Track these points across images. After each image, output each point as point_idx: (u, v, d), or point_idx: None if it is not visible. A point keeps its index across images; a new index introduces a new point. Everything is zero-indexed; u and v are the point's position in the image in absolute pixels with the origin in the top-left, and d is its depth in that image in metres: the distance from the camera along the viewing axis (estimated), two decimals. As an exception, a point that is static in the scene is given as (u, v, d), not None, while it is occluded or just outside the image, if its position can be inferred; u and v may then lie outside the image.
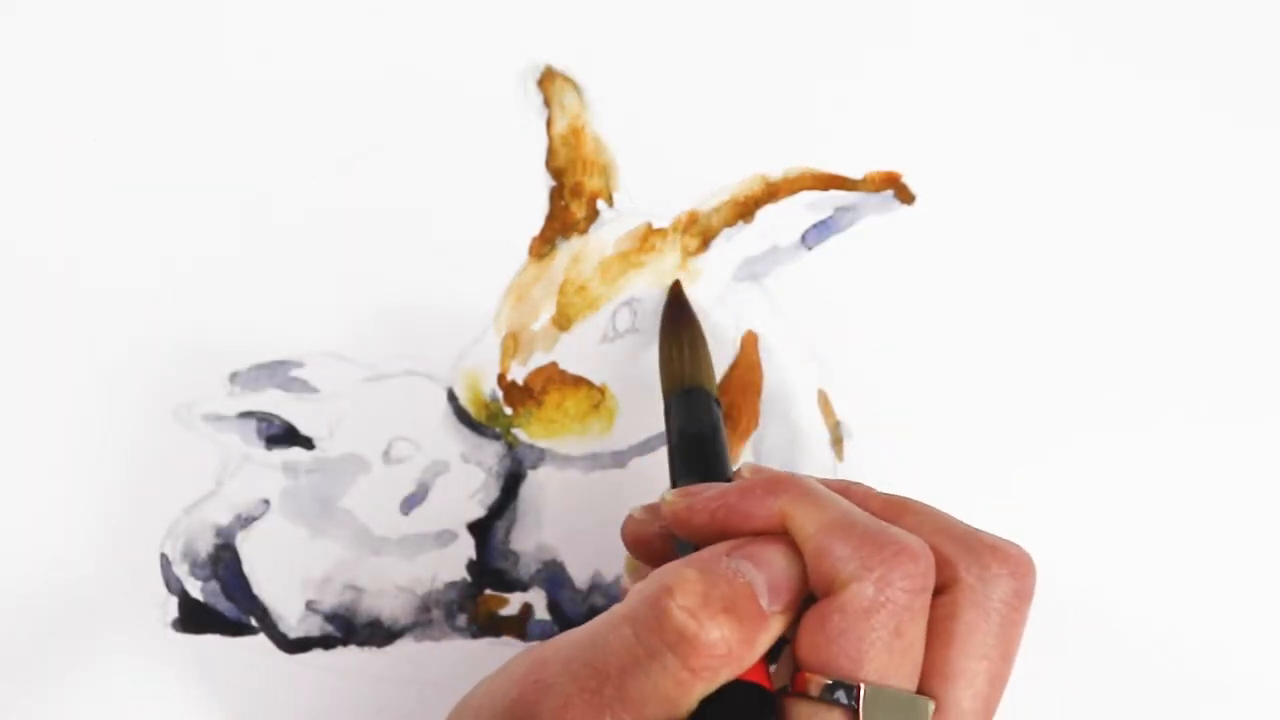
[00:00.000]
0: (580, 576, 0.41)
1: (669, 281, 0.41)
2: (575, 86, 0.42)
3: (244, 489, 0.41)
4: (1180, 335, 0.42)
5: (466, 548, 0.41)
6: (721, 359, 0.42)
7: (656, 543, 0.34)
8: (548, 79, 0.41)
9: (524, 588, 0.41)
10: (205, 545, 0.41)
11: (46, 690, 0.40)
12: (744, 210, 0.42)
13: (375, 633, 0.41)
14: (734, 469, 0.35)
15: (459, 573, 0.41)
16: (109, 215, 0.41)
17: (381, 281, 0.41)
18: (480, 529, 0.41)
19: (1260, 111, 0.42)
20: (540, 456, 0.41)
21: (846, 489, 0.32)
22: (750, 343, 0.42)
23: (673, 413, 0.37)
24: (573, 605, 0.41)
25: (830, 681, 0.29)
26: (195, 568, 0.41)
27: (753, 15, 0.42)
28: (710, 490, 0.32)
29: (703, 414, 0.36)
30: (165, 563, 0.41)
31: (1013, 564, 0.31)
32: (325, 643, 0.41)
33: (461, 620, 0.41)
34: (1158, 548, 0.42)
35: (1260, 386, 0.42)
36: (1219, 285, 0.42)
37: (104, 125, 0.41)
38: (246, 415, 0.41)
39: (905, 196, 0.42)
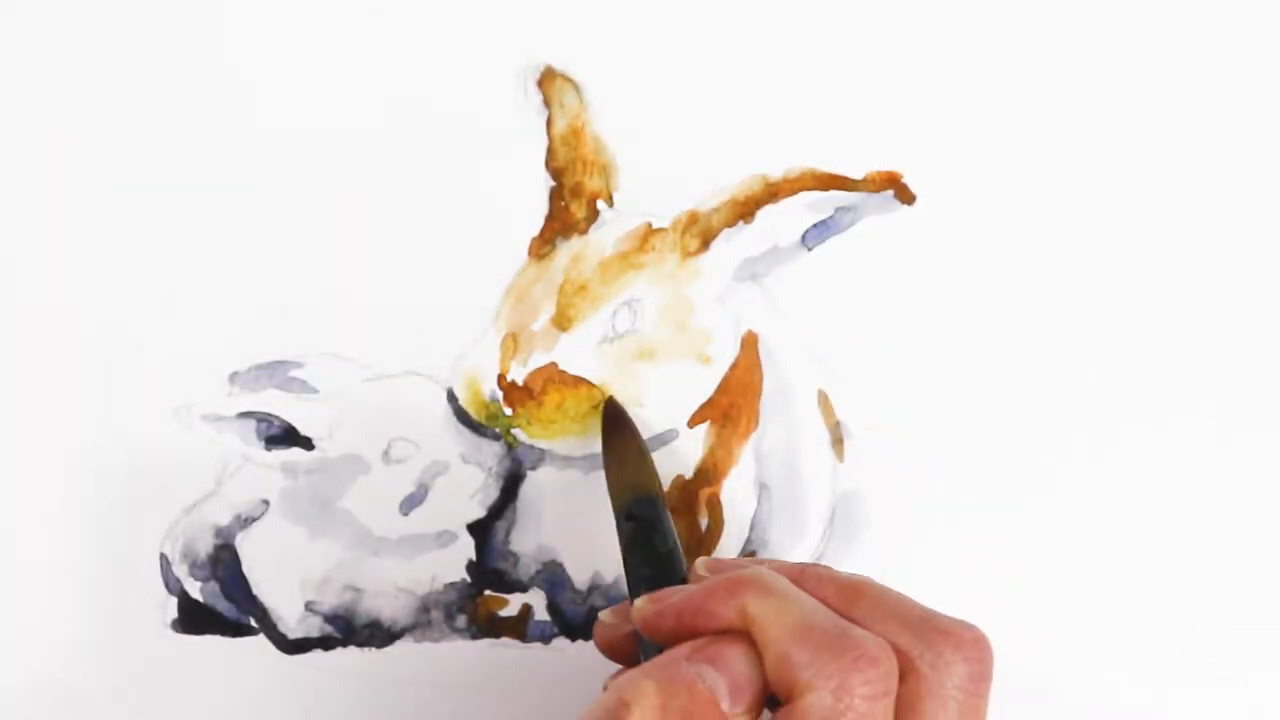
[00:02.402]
0: (580, 577, 0.41)
1: (669, 281, 0.41)
2: (575, 86, 0.42)
3: (243, 489, 0.41)
4: (1181, 336, 0.42)
5: (466, 548, 0.41)
6: (722, 359, 0.41)
7: (627, 644, 0.35)
8: (548, 79, 0.41)
9: (524, 588, 0.41)
10: (205, 546, 0.41)
11: (47, 690, 0.40)
12: (744, 210, 0.42)
13: (375, 633, 0.41)
14: (687, 567, 0.36)
15: (458, 573, 0.41)
16: (109, 215, 0.41)
17: (381, 281, 0.41)
18: (480, 530, 0.41)
19: (1261, 112, 0.42)
20: (540, 457, 0.41)
21: (802, 574, 0.33)
22: (750, 343, 0.42)
23: (623, 525, 0.37)
24: (572, 606, 0.41)
25: None
26: (195, 568, 0.41)
27: (752, 15, 0.42)
28: (675, 595, 0.33)
29: (657, 524, 0.37)
30: (165, 563, 0.41)
31: (967, 648, 0.31)
32: (325, 643, 0.41)
33: (461, 621, 0.41)
34: (1158, 548, 0.41)
35: (1262, 387, 0.42)
36: (1221, 285, 0.42)
37: (104, 125, 0.41)
38: (246, 416, 0.41)
39: (905, 196, 0.42)
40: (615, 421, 0.40)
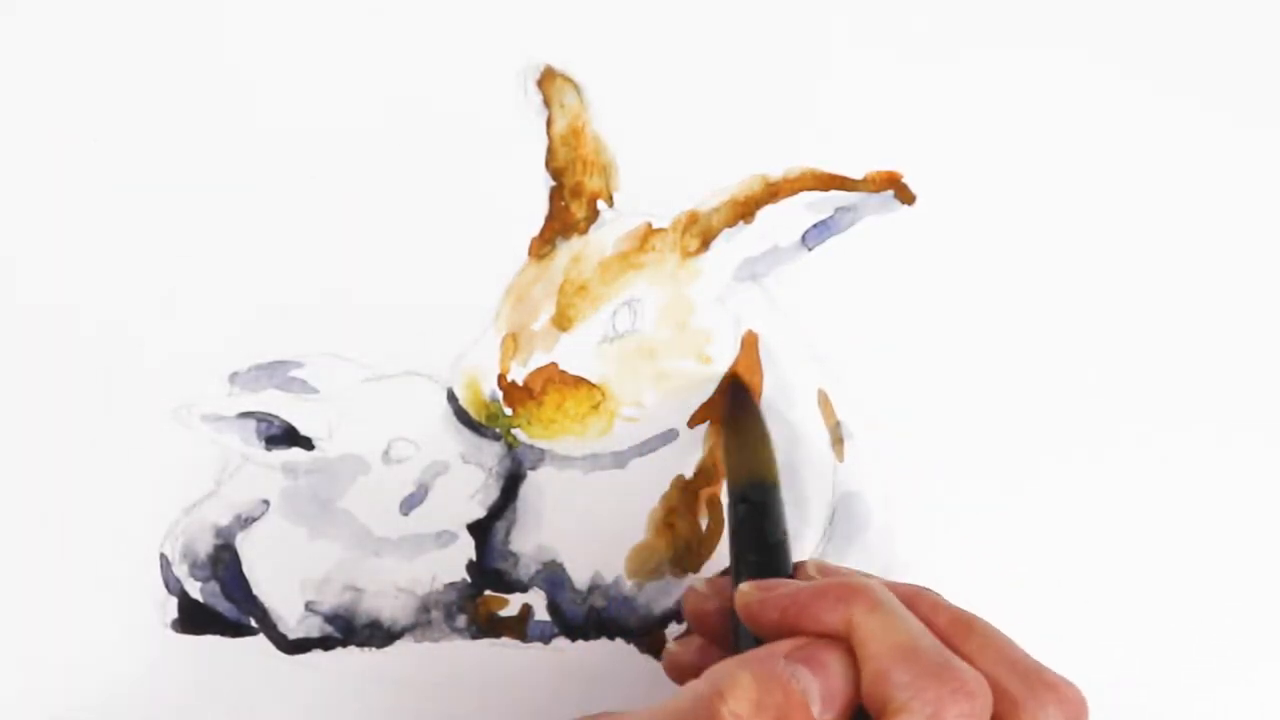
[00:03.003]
0: (580, 577, 0.41)
1: (669, 281, 0.41)
2: (575, 86, 0.42)
3: (243, 489, 0.41)
4: (1182, 336, 0.42)
5: (466, 548, 0.41)
6: (722, 359, 0.42)
7: (714, 618, 0.35)
8: (547, 79, 0.41)
9: (524, 588, 0.41)
10: (205, 546, 0.41)
11: (47, 690, 0.40)
12: (744, 210, 0.42)
13: (375, 633, 0.41)
14: (796, 562, 0.36)
15: (459, 573, 0.41)
16: (109, 215, 0.41)
17: (381, 281, 0.41)
18: (480, 530, 0.41)
19: (1261, 112, 0.42)
20: (540, 457, 0.41)
21: (915, 597, 0.33)
22: (750, 343, 0.42)
23: (737, 507, 0.37)
24: (572, 606, 0.41)
25: None
26: (195, 568, 0.41)
27: (752, 15, 0.42)
28: (783, 588, 0.33)
29: (773, 512, 0.36)
30: (165, 563, 0.41)
31: (1070, 705, 0.31)
32: (325, 643, 0.41)
33: (461, 621, 0.41)
34: (1158, 548, 0.42)
35: (1262, 386, 0.42)
36: (1221, 285, 0.42)
37: (104, 125, 0.41)
38: (246, 416, 0.41)
39: (905, 197, 0.42)
40: (740, 401, 0.40)
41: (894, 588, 0.33)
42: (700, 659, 0.35)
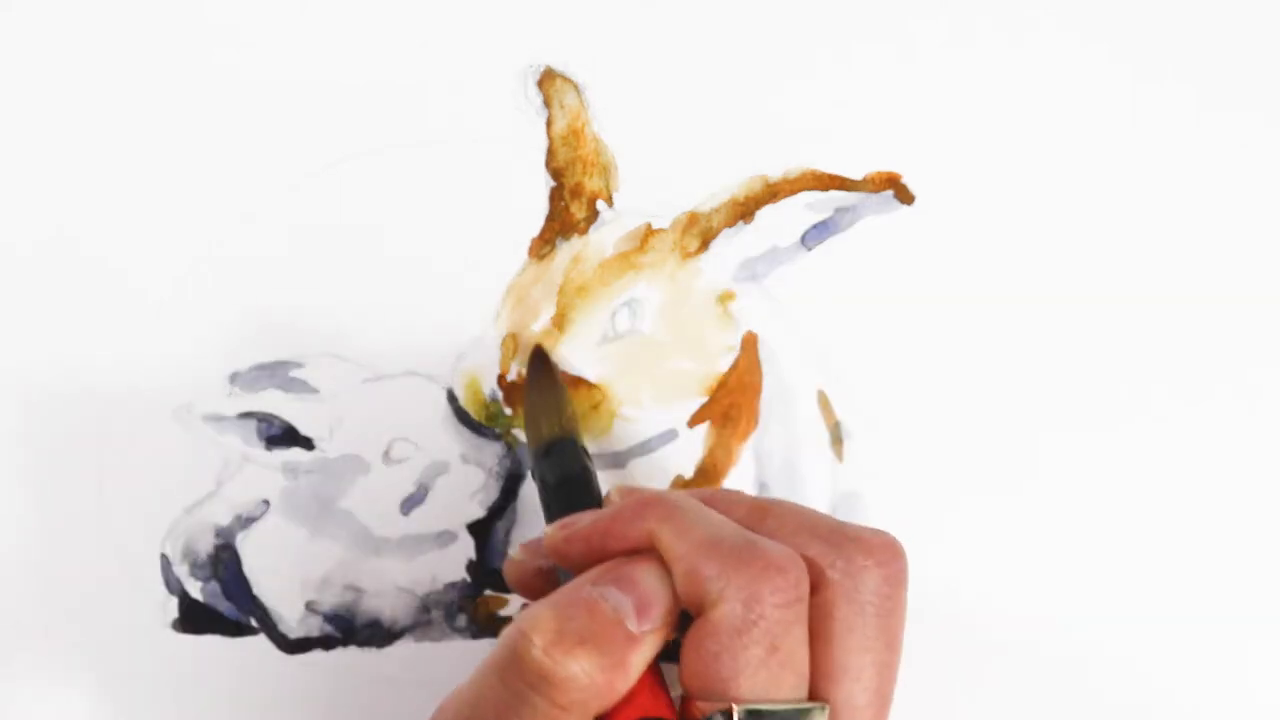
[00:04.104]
0: (580, 577, 0.41)
1: (668, 283, 0.41)
2: (575, 87, 0.42)
3: (244, 489, 0.41)
4: (1182, 335, 0.42)
5: (466, 548, 0.41)
6: (722, 359, 0.42)
7: (538, 580, 0.35)
8: (547, 79, 0.41)
9: (524, 588, 0.41)
10: (205, 546, 0.41)
11: (47, 690, 0.40)
12: (744, 210, 0.42)
13: (375, 633, 0.41)
14: (604, 495, 0.36)
15: (459, 573, 0.41)
16: (108, 215, 0.41)
17: (381, 281, 0.41)
18: (480, 530, 0.41)
19: (1261, 112, 0.42)
20: (540, 457, 0.41)
21: (713, 497, 0.33)
22: (750, 343, 0.42)
23: (541, 465, 0.37)
24: (572, 606, 0.41)
25: (715, 709, 0.29)
26: (195, 568, 0.41)
27: (753, 15, 0.42)
28: (585, 518, 0.32)
29: (571, 461, 0.36)
30: (165, 563, 0.41)
31: (879, 553, 0.31)
32: (325, 643, 0.41)
33: (461, 621, 0.41)
34: (1159, 547, 0.41)
35: (1263, 387, 0.42)
36: (1221, 285, 0.42)
37: (104, 125, 0.41)
38: (246, 416, 0.41)
39: (905, 197, 0.42)
40: (537, 365, 0.39)
41: (693, 493, 0.33)
42: (541, 571, 0.35)
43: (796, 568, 0.30)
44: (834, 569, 0.31)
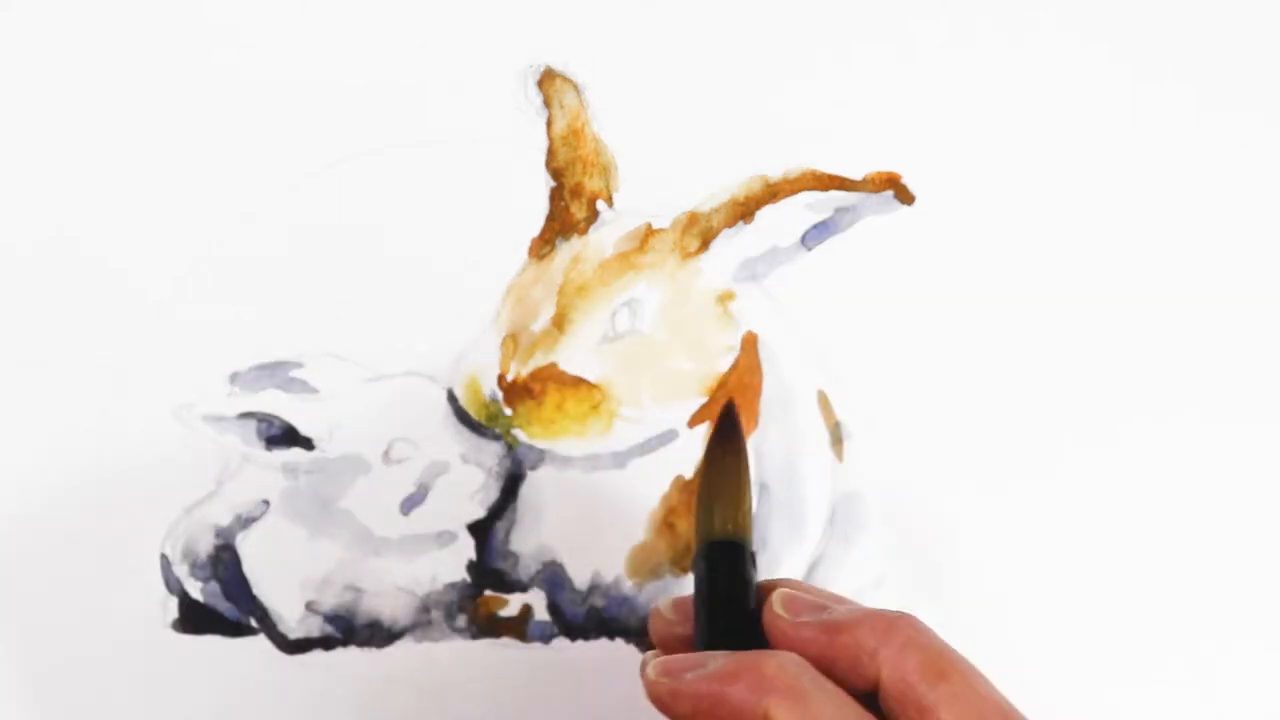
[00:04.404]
0: (580, 577, 0.41)
1: (668, 283, 0.41)
2: (575, 87, 0.42)
3: (244, 490, 0.41)
4: (1182, 336, 0.42)
5: (466, 548, 0.41)
6: (722, 359, 0.42)
7: (681, 644, 0.33)
8: (547, 79, 0.41)
9: (524, 589, 0.41)
10: (205, 546, 0.41)
11: (46, 690, 0.40)
12: (744, 210, 0.42)
13: (375, 633, 0.41)
14: (766, 586, 0.33)
15: (459, 573, 0.41)
16: (108, 216, 0.41)
17: (381, 282, 0.41)
18: (480, 530, 0.41)
19: (1261, 112, 0.42)
20: (540, 457, 0.41)
21: (888, 634, 0.30)
22: (750, 343, 0.42)
23: (702, 565, 0.33)
24: (572, 606, 0.41)
25: None
26: (195, 568, 0.41)
27: (753, 15, 0.42)
28: (694, 672, 0.30)
29: (735, 571, 0.33)
30: (165, 563, 0.41)
31: None
32: (325, 643, 0.41)
33: (461, 621, 0.41)
34: (1159, 547, 0.41)
35: (1264, 388, 0.42)
36: (1222, 285, 0.42)
37: (105, 126, 0.41)
38: (246, 416, 0.41)
39: (905, 197, 0.42)
40: (727, 435, 0.35)
41: (855, 624, 0.30)
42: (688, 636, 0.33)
43: None
44: None
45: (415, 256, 0.41)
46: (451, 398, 0.41)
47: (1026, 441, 0.41)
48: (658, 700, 0.31)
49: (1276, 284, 0.42)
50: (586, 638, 0.41)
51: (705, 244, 0.42)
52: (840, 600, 0.32)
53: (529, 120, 0.41)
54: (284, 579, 0.41)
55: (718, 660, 0.30)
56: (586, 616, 0.41)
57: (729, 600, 0.33)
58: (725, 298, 0.42)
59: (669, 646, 0.33)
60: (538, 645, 0.41)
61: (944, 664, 0.29)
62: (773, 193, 0.42)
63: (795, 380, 0.42)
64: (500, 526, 0.41)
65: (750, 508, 0.34)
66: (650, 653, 0.33)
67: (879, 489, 0.41)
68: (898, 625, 0.30)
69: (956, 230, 0.42)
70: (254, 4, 0.41)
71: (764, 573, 0.41)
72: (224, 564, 0.41)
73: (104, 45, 0.41)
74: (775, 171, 0.42)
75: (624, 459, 0.41)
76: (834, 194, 0.42)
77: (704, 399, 0.42)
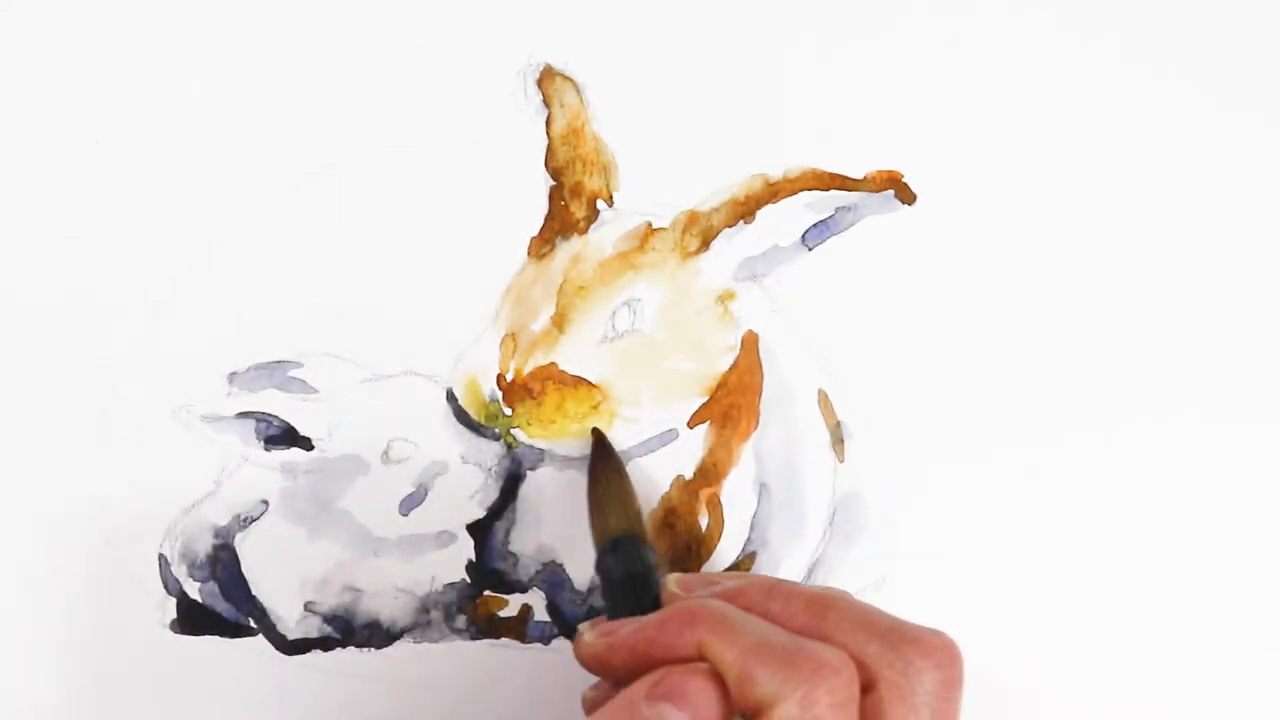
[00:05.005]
0: (580, 578, 0.41)
1: (668, 282, 0.41)
2: (575, 86, 0.41)
3: (242, 490, 0.41)
4: (1182, 336, 0.42)
5: (466, 549, 0.41)
6: (722, 359, 0.41)
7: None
8: (547, 78, 0.41)
9: (523, 589, 0.41)
10: (204, 546, 0.41)
11: (46, 690, 0.40)
12: (744, 210, 0.42)
13: (374, 634, 0.41)
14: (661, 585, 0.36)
15: (458, 574, 0.41)
16: (109, 215, 0.41)
17: (381, 282, 0.41)
18: (479, 530, 0.41)
19: (1261, 112, 0.42)
20: (540, 457, 0.41)
21: (770, 590, 0.33)
22: (750, 343, 0.42)
23: (607, 560, 0.37)
24: (572, 607, 0.41)
25: None
26: (194, 568, 0.41)
27: (753, 15, 0.42)
28: (627, 626, 0.33)
29: (636, 559, 0.37)
30: (164, 563, 0.41)
31: (937, 654, 0.31)
32: (324, 644, 0.41)
33: (461, 621, 0.41)
34: (1159, 548, 0.41)
35: (1264, 387, 0.42)
36: (1221, 285, 0.42)
37: (105, 126, 0.41)
38: (245, 416, 0.41)
39: (906, 196, 0.42)
40: (602, 455, 0.40)
41: (745, 588, 0.33)
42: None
43: (848, 668, 0.30)
44: (890, 669, 0.31)
45: (415, 256, 0.41)
46: (451, 398, 0.41)
47: (1027, 441, 0.41)
48: (594, 658, 0.33)
49: (1276, 284, 0.42)
50: (586, 638, 0.41)
51: (705, 243, 0.42)
52: (725, 576, 0.35)
53: (528, 119, 0.41)
54: (283, 579, 0.41)
55: (648, 616, 0.33)
56: (586, 617, 0.41)
57: (635, 583, 0.36)
58: (725, 297, 0.42)
59: (604, 668, 0.35)
60: (537, 645, 0.41)
61: (824, 598, 0.33)
62: (773, 192, 0.42)
63: (795, 380, 0.42)
64: (500, 527, 0.41)
65: (639, 508, 0.38)
66: (584, 623, 0.35)
67: (879, 489, 0.41)
68: (779, 584, 0.34)
69: (957, 230, 0.42)
70: (255, 4, 0.41)
71: (764, 573, 0.41)
72: (222, 564, 0.41)
73: (104, 44, 0.41)
74: (775, 171, 0.42)
75: (624, 459, 0.41)
76: (835, 193, 0.42)
77: (704, 399, 0.41)
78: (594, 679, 0.35)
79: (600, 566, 0.37)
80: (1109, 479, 0.41)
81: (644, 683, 0.31)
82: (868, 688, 0.31)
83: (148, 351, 0.41)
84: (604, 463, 0.40)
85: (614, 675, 0.33)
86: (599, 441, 0.40)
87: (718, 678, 0.31)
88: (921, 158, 0.42)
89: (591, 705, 0.35)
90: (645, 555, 0.37)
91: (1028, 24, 0.42)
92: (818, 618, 0.32)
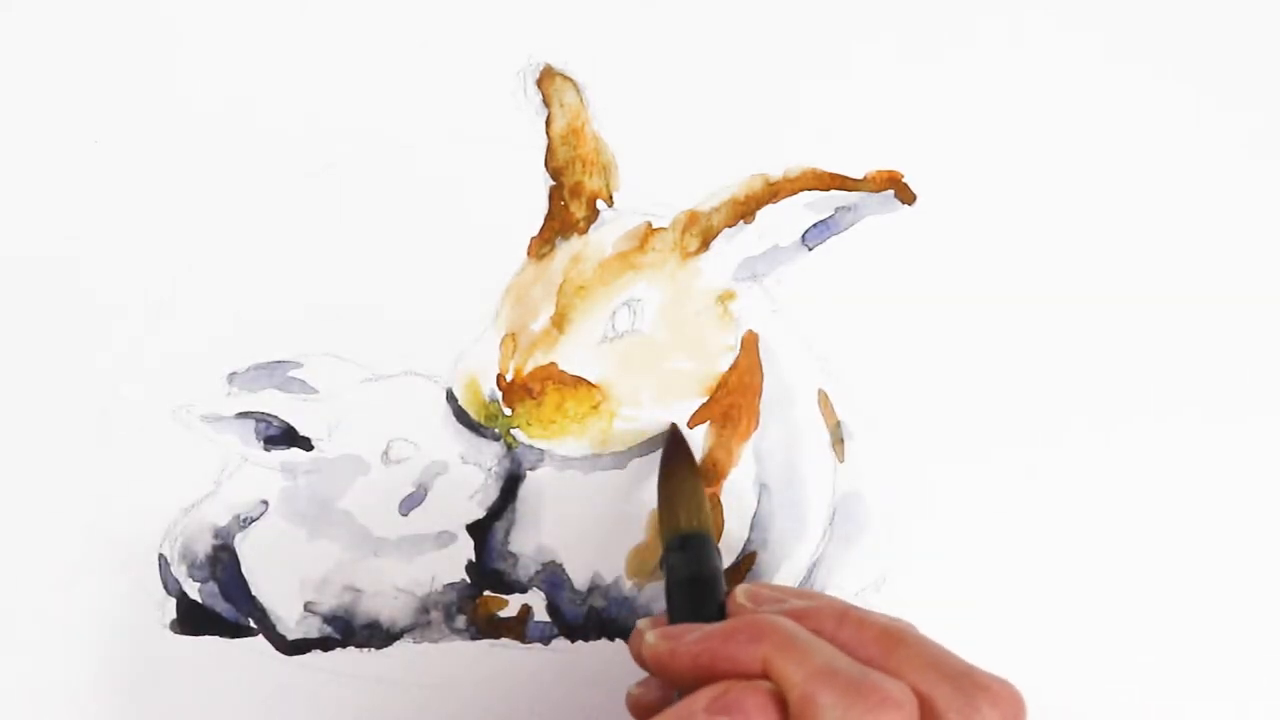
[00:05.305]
0: (580, 578, 0.41)
1: (668, 282, 0.41)
2: (575, 86, 0.41)
3: (242, 490, 0.41)
4: (1182, 337, 0.42)
5: (465, 549, 0.41)
6: (722, 359, 0.41)
7: (660, 706, 0.34)
8: (547, 78, 0.41)
9: (523, 589, 0.41)
10: (203, 546, 0.41)
11: (46, 690, 0.40)
12: (744, 210, 0.42)
13: (374, 634, 0.41)
14: (727, 595, 0.35)
15: (458, 574, 0.41)
16: (108, 216, 0.41)
17: (381, 281, 0.41)
18: (479, 530, 0.41)
19: (1261, 112, 0.42)
20: (540, 457, 0.41)
21: (842, 617, 0.33)
22: (750, 343, 0.42)
23: (673, 557, 0.37)
24: (572, 607, 0.41)
25: None
26: (193, 569, 0.41)
27: (753, 15, 0.42)
28: (693, 633, 0.32)
29: (704, 560, 0.36)
30: (164, 564, 0.41)
31: (1003, 704, 0.31)
32: (324, 644, 0.41)
33: (460, 622, 0.41)
34: (1159, 548, 0.41)
35: (1264, 387, 0.42)
36: (1221, 285, 0.42)
37: (104, 126, 0.41)
38: (245, 416, 0.41)
39: (906, 196, 0.42)
40: (676, 449, 0.39)
41: (816, 610, 0.33)
42: (662, 700, 0.35)
43: (911, 704, 0.30)
44: (958, 714, 0.31)
45: (415, 256, 0.41)
46: (451, 398, 0.41)
47: (1027, 441, 0.41)
48: (656, 661, 0.33)
49: (1276, 284, 0.42)
50: (586, 638, 0.41)
51: (705, 243, 0.42)
52: (796, 593, 0.35)
53: (528, 119, 0.41)
54: (283, 579, 0.41)
55: (714, 625, 0.33)
56: (586, 617, 0.41)
57: (701, 585, 0.36)
58: (725, 297, 0.42)
59: (649, 714, 0.34)
60: (537, 646, 0.41)
61: (896, 632, 0.32)
62: (773, 192, 0.42)
63: (795, 380, 0.42)
64: (499, 527, 0.41)
65: (709, 508, 0.38)
66: (645, 619, 0.35)
67: (879, 489, 0.41)
68: (852, 610, 0.33)
69: (957, 230, 0.42)
70: (255, 4, 0.41)
71: (765, 573, 0.41)
72: (222, 564, 0.41)
73: (104, 44, 0.41)
74: (775, 170, 0.42)
75: (624, 459, 0.41)
76: (835, 193, 0.42)
77: (704, 399, 0.41)
78: (640, 674, 0.35)
79: (666, 564, 0.37)
80: (1109, 479, 0.41)
81: (705, 694, 0.31)
82: None
83: (148, 351, 0.41)
84: (678, 458, 0.39)
85: (674, 681, 0.33)
86: (674, 436, 0.40)
87: (780, 698, 0.30)
88: (921, 158, 0.42)
89: (636, 703, 0.35)
90: (713, 557, 0.36)
91: (1028, 24, 0.42)
92: (888, 651, 0.32)
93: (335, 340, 0.41)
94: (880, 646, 0.32)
